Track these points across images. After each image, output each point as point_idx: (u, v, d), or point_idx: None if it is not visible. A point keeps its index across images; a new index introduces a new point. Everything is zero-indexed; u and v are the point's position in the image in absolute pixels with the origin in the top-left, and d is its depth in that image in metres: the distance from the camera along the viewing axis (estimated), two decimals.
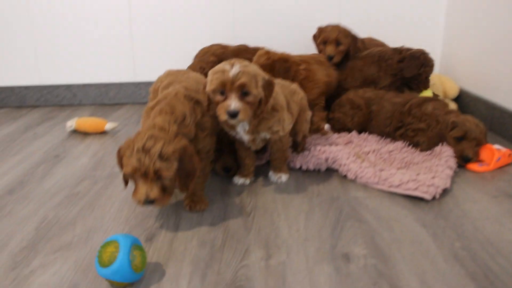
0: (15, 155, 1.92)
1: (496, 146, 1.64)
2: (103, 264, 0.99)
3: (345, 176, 1.60)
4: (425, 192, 1.40)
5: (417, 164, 1.63)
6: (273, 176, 1.59)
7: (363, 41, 2.33)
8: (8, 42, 2.67)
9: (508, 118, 1.92)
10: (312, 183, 1.56)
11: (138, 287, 1.04)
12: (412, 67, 2.06)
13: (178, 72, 1.57)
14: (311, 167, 1.65)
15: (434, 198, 1.41)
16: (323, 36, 2.19)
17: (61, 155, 1.90)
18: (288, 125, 1.52)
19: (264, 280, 1.05)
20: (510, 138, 1.89)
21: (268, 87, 1.37)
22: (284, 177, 1.59)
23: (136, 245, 1.03)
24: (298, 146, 1.75)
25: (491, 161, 1.61)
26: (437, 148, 1.68)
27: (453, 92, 2.33)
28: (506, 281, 1.02)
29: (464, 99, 2.30)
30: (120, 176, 1.64)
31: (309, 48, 2.29)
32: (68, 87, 2.74)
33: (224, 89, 1.32)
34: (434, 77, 2.28)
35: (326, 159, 1.64)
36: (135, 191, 1.18)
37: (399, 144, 1.80)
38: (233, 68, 1.32)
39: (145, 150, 1.14)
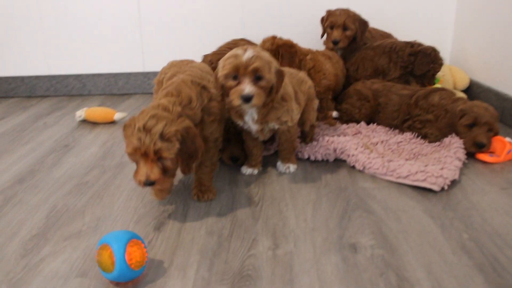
0: (25, 144, 1.94)
1: (508, 139, 1.63)
2: (104, 270, 0.99)
3: (353, 167, 1.59)
4: (434, 183, 1.39)
5: (425, 155, 1.62)
6: (281, 166, 1.59)
7: (369, 30, 2.31)
8: (18, 33, 2.68)
9: None
10: (320, 174, 1.56)
11: (146, 276, 1.05)
12: (423, 64, 2.04)
13: (182, 63, 1.54)
14: (319, 157, 1.65)
15: (442, 189, 1.40)
16: (330, 20, 2.17)
17: (71, 144, 1.92)
18: (296, 115, 1.51)
19: (271, 269, 1.05)
20: None
21: (279, 75, 1.36)
22: (292, 167, 1.59)
23: (130, 242, 0.99)
24: (306, 137, 1.74)
25: (502, 152, 1.60)
26: (446, 139, 1.67)
27: (464, 83, 2.32)
28: None
29: (475, 90, 2.28)
30: (129, 166, 1.65)
31: (320, 45, 2.27)
32: (78, 77, 2.75)
33: (237, 73, 1.31)
34: (444, 68, 2.26)
35: (335, 150, 1.64)
36: (136, 172, 1.16)
37: (408, 135, 1.79)
38: (246, 53, 1.31)
39: (146, 130, 1.11)
